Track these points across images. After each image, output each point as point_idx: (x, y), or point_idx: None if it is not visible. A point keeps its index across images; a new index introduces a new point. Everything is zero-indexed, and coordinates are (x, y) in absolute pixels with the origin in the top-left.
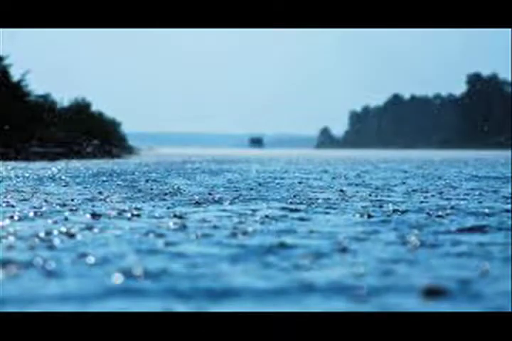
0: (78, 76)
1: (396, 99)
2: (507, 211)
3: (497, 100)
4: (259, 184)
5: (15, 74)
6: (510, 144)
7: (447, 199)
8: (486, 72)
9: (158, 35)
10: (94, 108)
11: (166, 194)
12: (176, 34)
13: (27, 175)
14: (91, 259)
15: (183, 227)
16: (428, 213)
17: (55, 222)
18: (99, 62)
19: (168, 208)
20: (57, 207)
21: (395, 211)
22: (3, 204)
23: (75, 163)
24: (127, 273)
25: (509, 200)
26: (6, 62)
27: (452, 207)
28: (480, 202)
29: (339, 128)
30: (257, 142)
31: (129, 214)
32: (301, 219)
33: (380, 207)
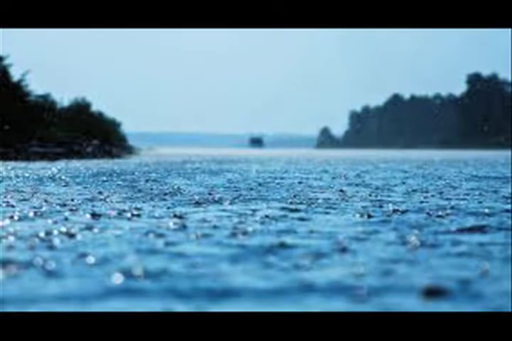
0: (78, 76)
1: (396, 99)
2: (507, 211)
3: (497, 100)
4: (259, 184)
5: (15, 74)
6: (510, 144)
7: (447, 199)
8: (486, 72)
9: (158, 35)
10: (94, 108)
11: (166, 194)
12: (176, 34)
13: (27, 175)
14: (91, 259)
15: (183, 227)
16: (428, 213)
17: (55, 222)
18: (99, 62)
19: (168, 208)
20: (57, 207)
21: (395, 211)
22: (3, 204)
23: (75, 163)
24: (127, 273)
25: (509, 200)
26: (6, 62)
27: (452, 207)
28: (480, 202)
29: (339, 128)
30: (257, 142)
31: (129, 214)
32: (301, 219)
33: (380, 207)
